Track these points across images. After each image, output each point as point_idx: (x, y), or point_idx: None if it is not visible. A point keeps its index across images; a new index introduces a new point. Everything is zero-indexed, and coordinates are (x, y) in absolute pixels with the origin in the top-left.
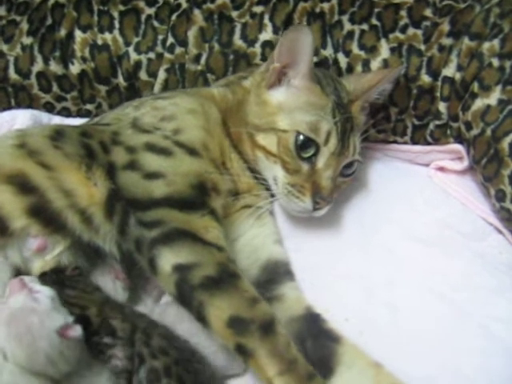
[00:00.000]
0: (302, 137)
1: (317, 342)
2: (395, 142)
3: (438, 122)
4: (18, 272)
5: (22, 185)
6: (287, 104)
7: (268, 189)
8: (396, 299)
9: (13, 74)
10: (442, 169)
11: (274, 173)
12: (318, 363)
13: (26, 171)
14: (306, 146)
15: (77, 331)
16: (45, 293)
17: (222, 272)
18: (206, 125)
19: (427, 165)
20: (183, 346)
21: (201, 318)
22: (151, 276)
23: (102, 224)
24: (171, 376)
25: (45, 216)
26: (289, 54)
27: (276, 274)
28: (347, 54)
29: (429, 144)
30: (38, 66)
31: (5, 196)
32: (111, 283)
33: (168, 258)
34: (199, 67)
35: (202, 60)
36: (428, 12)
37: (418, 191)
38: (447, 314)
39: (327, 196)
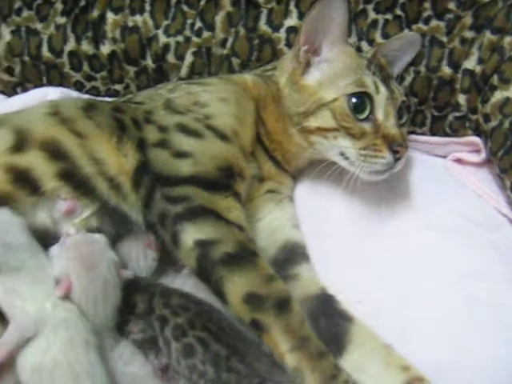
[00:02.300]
0: (353, 98)
1: (330, 321)
2: (413, 132)
3: (457, 114)
4: (48, 234)
5: (54, 151)
6: (326, 78)
7: (293, 176)
8: (409, 285)
9: (46, 52)
10: (459, 160)
11: (340, 148)
12: (329, 341)
13: (58, 138)
14: (360, 104)
15: (129, 274)
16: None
17: (242, 250)
18: (238, 113)
19: (444, 156)
20: (201, 300)
21: (218, 293)
22: (173, 250)
23: (130, 193)
24: (196, 328)
25: (74, 180)
26: (319, 27)
27: (293, 254)
28: (370, 42)
29: (447, 135)
30: (71, 45)
31: (38, 160)
32: (142, 252)
33: (190, 234)
34: (225, 51)
35: (228, 44)
36: (451, 5)
37: (435, 182)
38: (460, 301)
39: (402, 141)
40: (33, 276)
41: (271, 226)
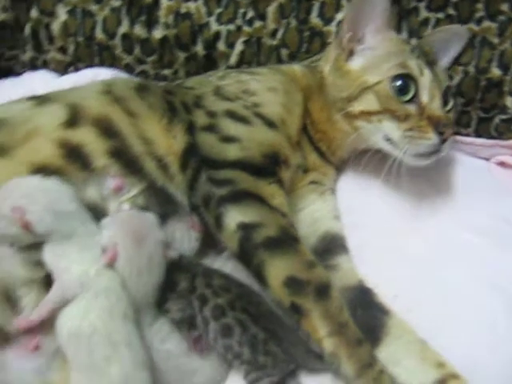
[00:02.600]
0: (397, 80)
1: (367, 313)
2: (458, 133)
3: (503, 117)
4: (96, 210)
5: (106, 129)
6: (369, 63)
7: (337, 168)
8: (446, 283)
9: (99, 34)
10: (502, 163)
11: (384, 131)
12: (366, 332)
13: (111, 116)
14: (404, 86)
15: (174, 254)
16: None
17: (284, 234)
18: (286, 103)
19: (488, 159)
20: (241, 283)
21: (259, 276)
22: (216, 232)
23: (176, 174)
24: (236, 309)
25: (124, 159)
26: (362, 15)
27: (333, 245)
28: None
29: (492, 138)
30: (124, 28)
31: (90, 136)
32: (186, 233)
33: (234, 216)
34: (275, 42)
35: (279, 35)
36: (505, 7)
37: (477, 183)
38: (498, 302)
39: (448, 122)
40: (82, 243)
41: (313, 216)
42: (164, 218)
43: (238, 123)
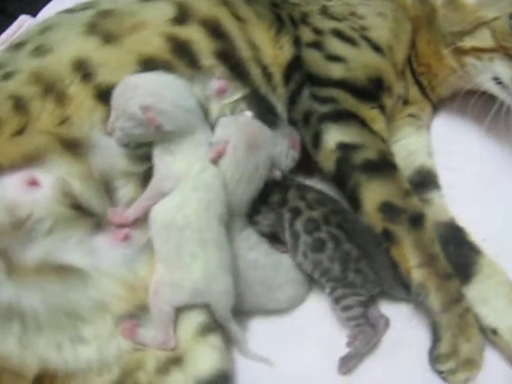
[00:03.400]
0: None
1: (458, 250)
2: None
3: None
4: None
5: (215, 30)
6: None
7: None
8: None
9: None
10: None
11: (494, 71)
12: (456, 269)
13: (219, 18)
14: None
15: (278, 174)
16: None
17: (383, 160)
18: (394, 29)
19: None
20: (336, 199)
21: (353, 199)
22: (312, 151)
23: (280, 85)
24: (330, 224)
25: (230, 62)
26: None
27: (427, 180)
28: None
29: None
30: None
31: (198, 35)
32: (285, 150)
33: (334, 135)
34: None
35: None
36: None
37: None
38: None
39: None
40: (194, 141)
41: (408, 149)
42: None
43: (345, 43)
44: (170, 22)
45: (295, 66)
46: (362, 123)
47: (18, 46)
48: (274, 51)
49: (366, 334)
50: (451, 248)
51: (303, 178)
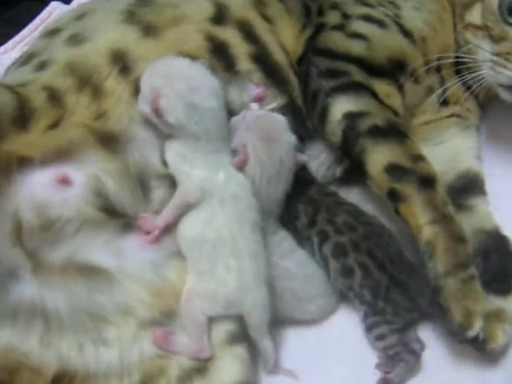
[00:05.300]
0: None
1: (502, 259)
2: None
3: None
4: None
5: (248, 33)
6: None
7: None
8: None
9: None
10: None
11: (481, 49)
12: (497, 278)
13: (250, 21)
14: None
15: (304, 158)
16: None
17: (391, 127)
18: (433, 21)
19: None
20: (372, 221)
21: (359, 164)
22: (319, 128)
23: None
24: (360, 251)
25: (266, 67)
26: None
27: (472, 185)
28: None
29: None
30: None
31: (235, 38)
32: (329, 162)
33: (341, 106)
34: None
35: None
36: None
37: None
38: None
39: None
40: (210, 147)
41: (452, 151)
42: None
43: (373, 24)
44: (209, 20)
45: (305, 56)
46: (373, 95)
47: (52, 32)
48: (296, 49)
49: (407, 362)
50: (494, 257)
51: (342, 189)
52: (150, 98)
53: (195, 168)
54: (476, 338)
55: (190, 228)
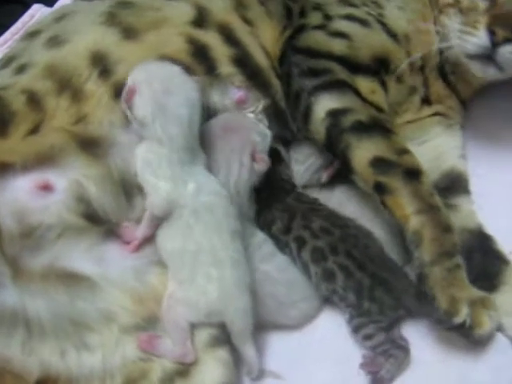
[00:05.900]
0: None
1: (484, 258)
2: None
3: None
4: None
5: (228, 36)
6: None
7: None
8: None
9: None
10: None
11: (452, 22)
12: (481, 277)
13: (231, 24)
14: None
15: (266, 160)
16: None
17: (374, 122)
18: (416, 20)
19: None
20: (349, 223)
21: (344, 160)
22: (303, 128)
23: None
24: (338, 253)
25: (248, 69)
26: None
27: (456, 184)
28: None
29: None
30: None
31: (215, 41)
32: (316, 167)
33: (324, 104)
34: None
35: None
36: None
37: None
38: None
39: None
40: (177, 156)
41: (436, 150)
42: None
43: (355, 23)
44: (190, 23)
45: (285, 56)
46: (356, 92)
47: (32, 34)
48: (275, 51)
49: (397, 358)
50: (477, 256)
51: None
52: (127, 91)
53: (160, 179)
54: (463, 325)
55: (169, 241)
